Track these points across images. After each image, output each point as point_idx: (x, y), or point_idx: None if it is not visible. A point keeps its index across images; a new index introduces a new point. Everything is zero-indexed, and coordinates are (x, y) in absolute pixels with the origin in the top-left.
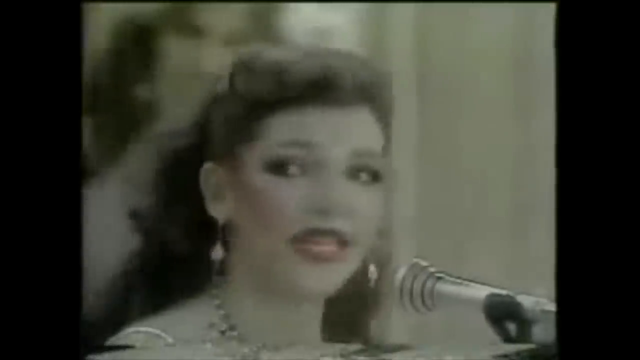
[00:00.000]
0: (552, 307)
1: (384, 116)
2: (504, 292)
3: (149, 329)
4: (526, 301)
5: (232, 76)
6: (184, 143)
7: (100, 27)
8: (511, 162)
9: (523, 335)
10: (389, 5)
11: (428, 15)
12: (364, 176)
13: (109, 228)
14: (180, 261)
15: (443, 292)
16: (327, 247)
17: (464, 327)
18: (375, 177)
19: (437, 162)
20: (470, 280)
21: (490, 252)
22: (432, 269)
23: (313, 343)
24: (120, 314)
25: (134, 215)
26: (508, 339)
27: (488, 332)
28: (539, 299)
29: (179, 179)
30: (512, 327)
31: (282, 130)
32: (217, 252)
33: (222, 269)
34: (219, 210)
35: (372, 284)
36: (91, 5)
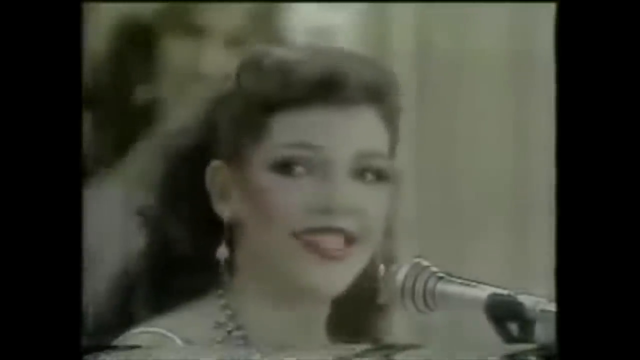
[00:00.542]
0: (553, 307)
1: (390, 116)
2: (505, 292)
3: (156, 329)
4: (528, 301)
5: (239, 75)
6: (189, 142)
7: (100, 27)
8: (511, 161)
9: (525, 335)
10: (390, 5)
11: (428, 15)
12: (369, 176)
13: (109, 228)
14: (186, 261)
15: (445, 292)
16: (333, 244)
17: (465, 327)
18: (381, 176)
19: (437, 161)
20: (472, 280)
21: (490, 252)
22: (433, 269)
23: (318, 343)
24: (125, 314)
25: (141, 213)
26: (510, 339)
27: (490, 332)
28: (540, 298)
29: (184, 178)
30: (513, 327)
31: (288, 131)
32: (222, 252)
33: (229, 269)
34: (224, 209)
35: (380, 283)
36: (91, 5)
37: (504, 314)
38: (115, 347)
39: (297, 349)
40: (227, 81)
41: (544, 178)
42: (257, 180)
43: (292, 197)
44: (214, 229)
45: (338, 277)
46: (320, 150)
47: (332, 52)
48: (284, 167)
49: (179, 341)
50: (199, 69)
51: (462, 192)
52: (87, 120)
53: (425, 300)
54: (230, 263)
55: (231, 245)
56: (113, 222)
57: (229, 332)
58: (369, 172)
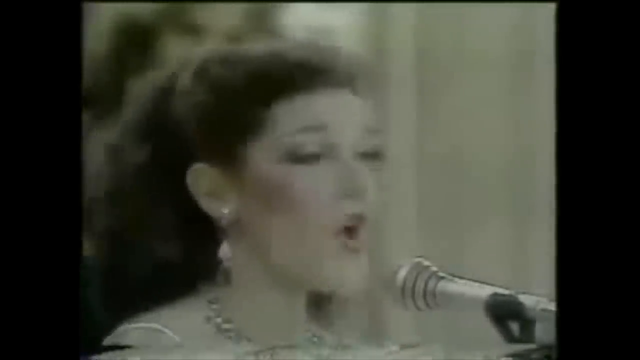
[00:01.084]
0: (554, 306)
1: (372, 97)
2: (506, 291)
3: (150, 325)
4: (528, 300)
5: (204, 71)
6: (154, 149)
7: (100, 27)
8: (511, 160)
9: (526, 334)
10: (389, 4)
11: (428, 13)
12: (369, 156)
13: None
14: (170, 262)
15: (445, 291)
16: (359, 232)
17: (466, 326)
18: (376, 156)
19: (437, 160)
20: (473, 280)
21: (491, 249)
22: (434, 268)
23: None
24: (113, 313)
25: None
26: (510, 339)
27: (490, 331)
28: (541, 298)
29: (157, 185)
30: (514, 326)
31: (290, 119)
32: (225, 252)
33: (228, 268)
34: (218, 210)
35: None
36: (91, 5)
37: (505, 313)
38: (113, 347)
39: (286, 340)
40: (181, 77)
41: (546, 177)
42: (267, 175)
43: (315, 185)
44: (199, 229)
45: (363, 271)
46: (328, 131)
47: (303, 42)
48: (296, 154)
49: (172, 335)
50: None
51: (462, 190)
52: (87, 120)
53: (425, 300)
54: (228, 262)
55: (230, 241)
56: None
57: (218, 325)
58: (370, 152)
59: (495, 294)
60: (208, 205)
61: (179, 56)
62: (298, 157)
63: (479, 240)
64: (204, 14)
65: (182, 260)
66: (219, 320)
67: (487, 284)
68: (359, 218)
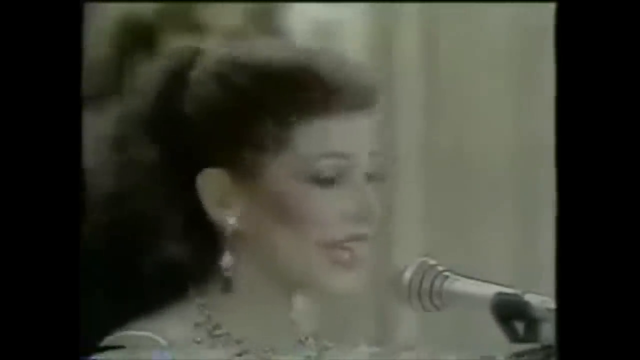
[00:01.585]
0: None
1: (378, 118)
2: (511, 291)
3: (140, 332)
4: (534, 300)
5: (224, 77)
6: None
7: (100, 27)
8: (518, 158)
9: (531, 334)
10: (394, 4)
11: (433, 10)
12: (376, 177)
13: None
14: (165, 264)
15: (451, 290)
16: (361, 252)
17: (471, 325)
18: (379, 178)
19: (443, 159)
20: (479, 279)
21: (496, 250)
22: (440, 268)
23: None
24: (113, 316)
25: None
26: (516, 338)
27: (496, 330)
28: (547, 297)
29: (167, 186)
30: (520, 326)
31: (310, 141)
32: (227, 260)
33: (228, 277)
34: (225, 217)
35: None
36: (92, 5)
37: (510, 313)
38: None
39: (277, 345)
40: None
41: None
42: (281, 191)
43: (327, 206)
44: (202, 234)
45: (361, 281)
46: (344, 158)
47: (318, 55)
48: (313, 177)
49: (163, 342)
50: None
51: (467, 190)
52: (87, 120)
53: (431, 299)
54: (230, 270)
55: (232, 250)
56: None
57: (209, 331)
58: (376, 173)
59: (500, 293)
60: (215, 212)
61: (186, 48)
62: (315, 179)
63: (485, 238)
64: (207, 13)
65: (177, 263)
66: (209, 326)
67: (493, 283)
68: (363, 237)
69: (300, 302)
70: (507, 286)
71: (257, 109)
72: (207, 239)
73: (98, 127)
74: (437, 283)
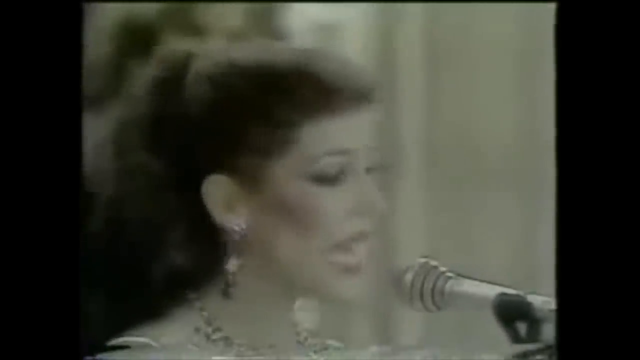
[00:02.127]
0: None
1: (377, 114)
2: (514, 291)
3: (138, 339)
4: (536, 301)
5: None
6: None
7: (100, 27)
8: (516, 158)
9: (533, 335)
10: (396, 4)
11: (435, 13)
12: (377, 170)
13: None
14: (168, 268)
15: (453, 291)
16: (364, 255)
17: (473, 326)
18: (380, 171)
19: (446, 156)
20: (481, 280)
21: (496, 250)
22: (442, 268)
23: (291, 343)
24: (113, 320)
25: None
26: (518, 339)
27: (498, 331)
28: (549, 298)
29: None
30: (522, 326)
31: (315, 141)
32: (233, 264)
33: (232, 281)
34: (232, 224)
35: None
36: (92, 5)
37: (513, 313)
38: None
39: (274, 350)
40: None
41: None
42: (288, 193)
43: (332, 204)
44: (206, 239)
45: (365, 287)
46: (348, 154)
47: (318, 55)
48: (319, 176)
49: (161, 348)
50: None
51: (470, 188)
52: (87, 120)
53: (433, 300)
54: (234, 274)
55: (238, 255)
56: None
57: (208, 335)
58: (377, 166)
59: (503, 294)
60: (222, 218)
61: (182, 50)
62: (320, 178)
63: (485, 238)
64: (207, 14)
65: (179, 268)
66: (209, 329)
67: (495, 283)
68: (366, 235)
69: (300, 303)
70: (508, 286)
71: (259, 112)
72: (209, 244)
73: (98, 129)
74: (439, 284)
